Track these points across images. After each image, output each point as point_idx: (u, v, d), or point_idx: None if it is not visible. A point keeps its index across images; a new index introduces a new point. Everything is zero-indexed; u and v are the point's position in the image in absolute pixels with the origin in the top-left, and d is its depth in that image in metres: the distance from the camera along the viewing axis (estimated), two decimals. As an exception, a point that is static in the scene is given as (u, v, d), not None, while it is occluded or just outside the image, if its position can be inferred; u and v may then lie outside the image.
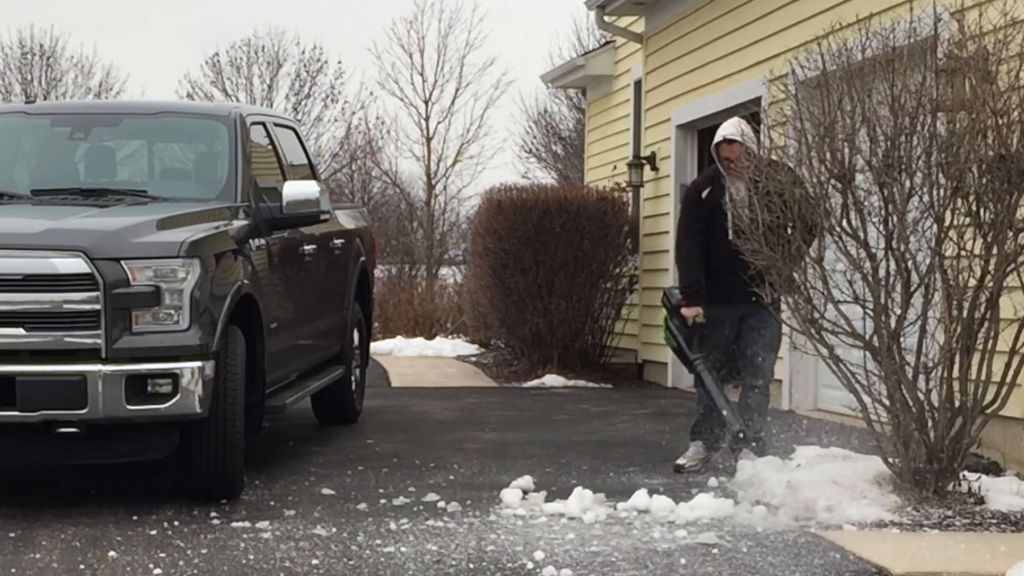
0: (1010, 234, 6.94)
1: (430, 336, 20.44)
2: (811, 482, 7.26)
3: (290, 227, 8.72)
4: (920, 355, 7.12)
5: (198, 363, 7.03)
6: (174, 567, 6.00)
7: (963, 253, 7.00)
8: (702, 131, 13.90)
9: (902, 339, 7.13)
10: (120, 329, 6.92)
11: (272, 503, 7.41)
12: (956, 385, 7.10)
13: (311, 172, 10.12)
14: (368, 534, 6.64)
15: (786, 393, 11.45)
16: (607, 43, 18.72)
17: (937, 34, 7.13)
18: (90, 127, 9.01)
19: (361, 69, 62.00)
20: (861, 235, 7.16)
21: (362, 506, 7.32)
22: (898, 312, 7.11)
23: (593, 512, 7.01)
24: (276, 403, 8.38)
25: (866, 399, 7.28)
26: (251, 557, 6.18)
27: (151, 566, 5.99)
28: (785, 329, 8.16)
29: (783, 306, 7.78)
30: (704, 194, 8.51)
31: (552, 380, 14.25)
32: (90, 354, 6.90)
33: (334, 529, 6.74)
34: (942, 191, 7.00)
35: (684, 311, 8.48)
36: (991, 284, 7.00)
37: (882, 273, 7.14)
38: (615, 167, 17.26)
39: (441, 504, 7.33)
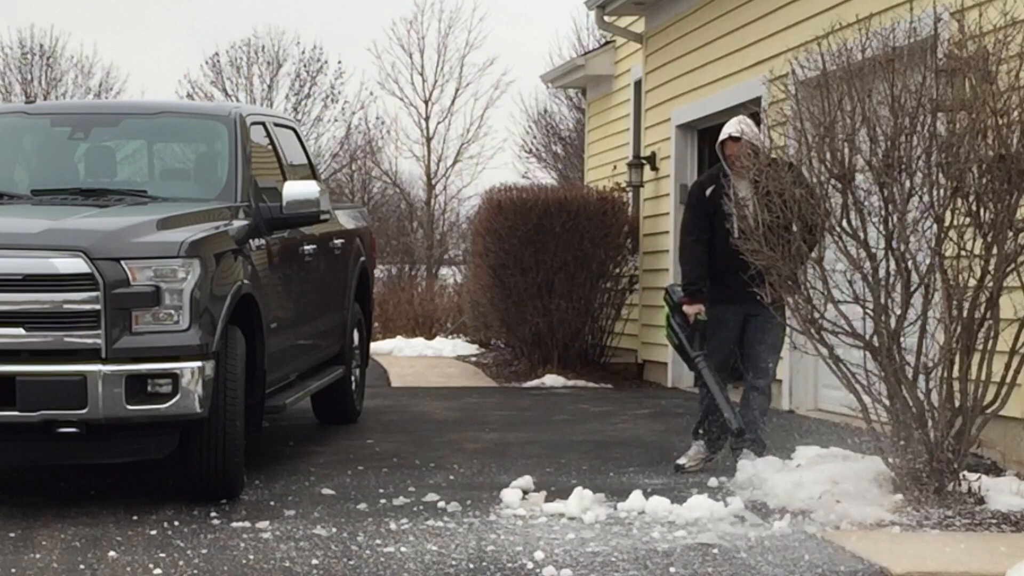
0: (1010, 234, 6.94)
1: (430, 336, 20.44)
2: (811, 482, 7.26)
3: (290, 227, 8.72)
4: (920, 355, 7.12)
5: (198, 363, 7.03)
6: (174, 567, 6.00)
7: (963, 253, 7.00)
8: (702, 131, 13.90)
9: (902, 339, 7.13)
10: (120, 329, 6.92)
11: (272, 503, 7.41)
12: (956, 385, 7.10)
13: (311, 172, 10.12)
14: (368, 534, 6.64)
15: (786, 393, 11.45)
16: (607, 43, 18.72)
17: (937, 34, 7.13)
18: (90, 127, 9.01)
19: (361, 69, 62.05)
20: (861, 235, 7.16)
21: (362, 506, 7.32)
22: (898, 312, 7.11)
23: (593, 512, 7.01)
24: (276, 403, 8.38)
25: (866, 399, 7.28)
26: (251, 557, 6.18)
27: (151, 566, 5.99)
28: (785, 328, 8.16)
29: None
30: (707, 192, 8.50)
31: (552, 380, 14.25)
32: (90, 354, 6.90)
33: (334, 529, 6.74)
34: (942, 191, 7.00)
35: (686, 309, 8.48)
36: (991, 284, 7.00)
37: (882, 273, 7.14)
38: (615, 167, 17.26)
39: (441, 504, 7.33)
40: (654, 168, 14.97)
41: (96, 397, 6.84)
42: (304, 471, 8.42)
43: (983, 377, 7.07)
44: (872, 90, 7.12)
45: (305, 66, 36.43)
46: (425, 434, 10.24)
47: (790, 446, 8.28)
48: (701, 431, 8.59)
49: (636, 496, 7.23)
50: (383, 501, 7.45)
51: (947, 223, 7.01)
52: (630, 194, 15.75)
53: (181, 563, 6.06)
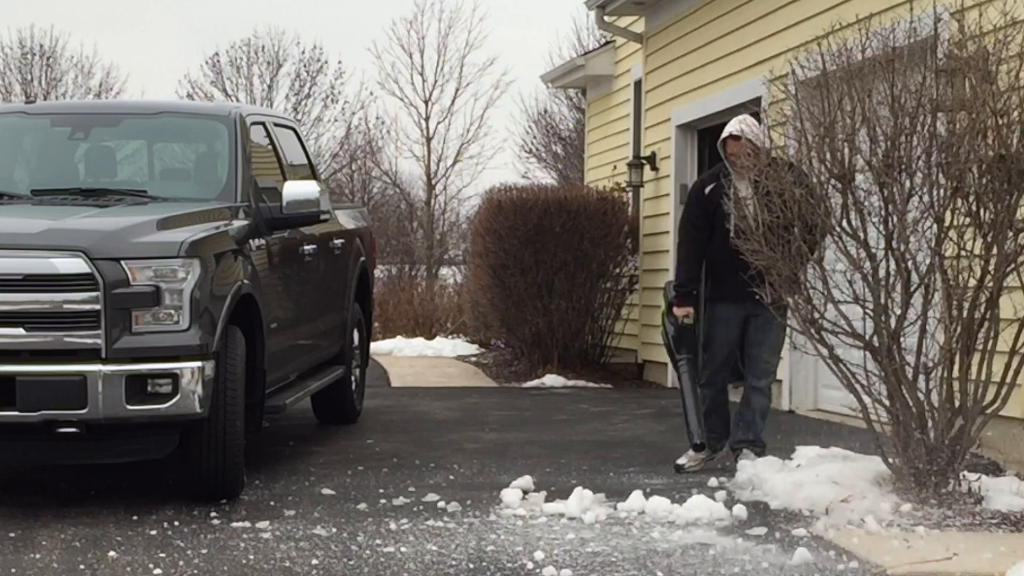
0: (1010, 234, 6.94)
1: (430, 336, 20.44)
2: (811, 482, 7.26)
3: (290, 227, 8.72)
4: (920, 355, 7.12)
5: (198, 363, 7.03)
6: (174, 567, 6.00)
7: (963, 253, 7.00)
8: (702, 131, 13.90)
9: (902, 339, 7.13)
10: (120, 329, 6.92)
11: (272, 503, 7.41)
12: (956, 385, 7.10)
13: (311, 172, 10.12)
14: (368, 534, 6.64)
15: (786, 393, 11.45)
16: (607, 43, 18.72)
17: (937, 34, 7.13)
18: (90, 127, 9.01)
19: (361, 69, 62.08)
20: (861, 235, 7.16)
21: (362, 506, 7.32)
22: (898, 312, 7.11)
23: (593, 512, 7.01)
24: (276, 403, 8.38)
25: (866, 399, 7.28)
26: (251, 557, 6.18)
27: (151, 566, 5.99)
28: (786, 329, 8.16)
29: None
30: (707, 190, 8.50)
31: (552, 380, 14.25)
32: (90, 354, 6.90)
33: (334, 529, 6.74)
34: (942, 191, 7.00)
35: (675, 310, 8.50)
36: (991, 284, 7.00)
37: (882, 273, 7.14)
38: (615, 167, 17.26)
39: (441, 504, 7.32)
40: (654, 168, 14.97)
41: (96, 397, 6.84)
42: (304, 471, 8.42)
43: (983, 377, 7.07)
44: (872, 90, 7.12)
45: (305, 66, 36.46)
46: (425, 434, 10.24)
47: (790, 446, 8.28)
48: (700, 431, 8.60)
49: (636, 496, 7.23)
50: (383, 501, 7.45)
51: (947, 223, 7.01)
52: (630, 194, 15.75)
53: (181, 563, 6.06)
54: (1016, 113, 6.86)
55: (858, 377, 7.26)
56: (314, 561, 6.10)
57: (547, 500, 7.32)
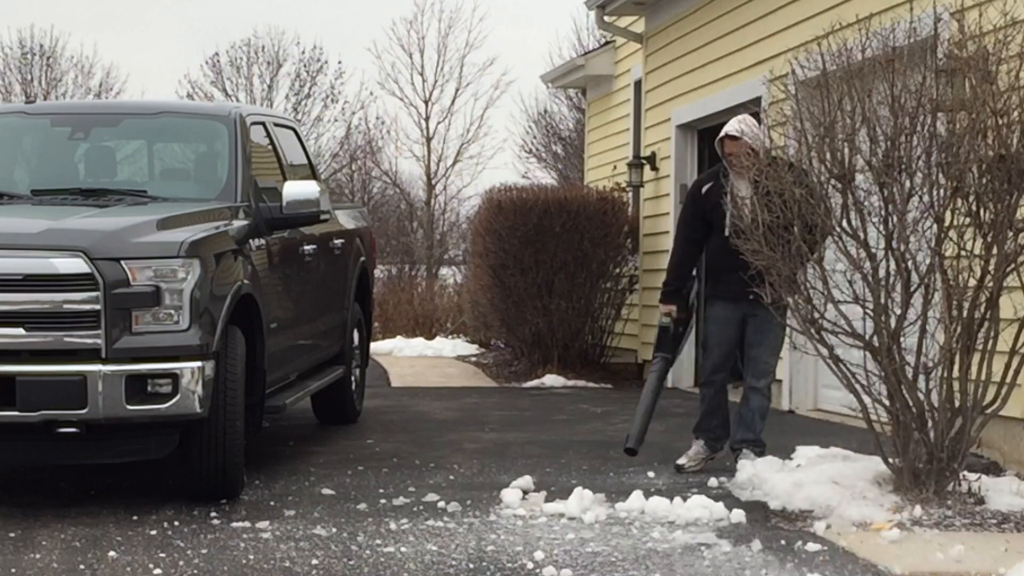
0: (1010, 234, 6.94)
1: (430, 336, 20.44)
2: (811, 482, 7.26)
3: (290, 227, 8.72)
4: (920, 355, 7.12)
5: (198, 363, 7.03)
6: (174, 567, 6.00)
7: (963, 253, 7.00)
8: (702, 131, 13.90)
9: (902, 339, 7.13)
10: (120, 329, 6.92)
11: (272, 503, 7.41)
12: (956, 385, 7.10)
13: (311, 172, 10.12)
14: (368, 534, 6.64)
15: (786, 393, 11.45)
16: (607, 43, 18.73)
17: (937, 34, 7.13)
18: (90, 127, 9.01)
19: (361, 69, 62.12)
20: (861, 235, 7.16)
21: (362, 506, 7.31)
22: (898, 312, 7.11)
23: (593, 512, 7.01)
24: (276, 403, 8.38)
25: (866, 399, 7.28)
26: (251, 557, 6.18)
27: (151, 566, 5.99)
28: (786, 329, 8.16)
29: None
30: (704, 189, 8.52)
31: (552, 380, 14.25)
32: (90, 354, 6.90)
33: (334, 529, 6.74)
34: (942, 191, 6.99)
35: (660, 307, 8.59)
36: (991, 284, 7.00)
37: (882, 273, 7.14)
38: (615, 167, 17.26)
39: (441, 504, 7.32)
40: (654, 168, 14.97)
41: (96, 397, 6.84)
42: (304, 471, 8.42)
43: (983, 377, 7.07)
44: (872, 90, 7.11)
45: (305, 66, 36.47)
46: (425, 434, 10.24)
47: (790, 446, 8.28)
48: (702, 428, 8.60)
49: (636, 496, 7.23)
50: (383, 501, 7.45)
51: (947, 223, 7.01)
52: (630, 194, 15.75)
53: (181, 563, 6.06)
54: (1016, 113, 6.86)
55: (858, 377, 7.26)
56: (314, 561, 6.10)
57: (547, 500, 7.32)
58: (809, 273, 7.40)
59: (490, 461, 8.89)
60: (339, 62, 42.12)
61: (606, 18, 15.92)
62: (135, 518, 6.96)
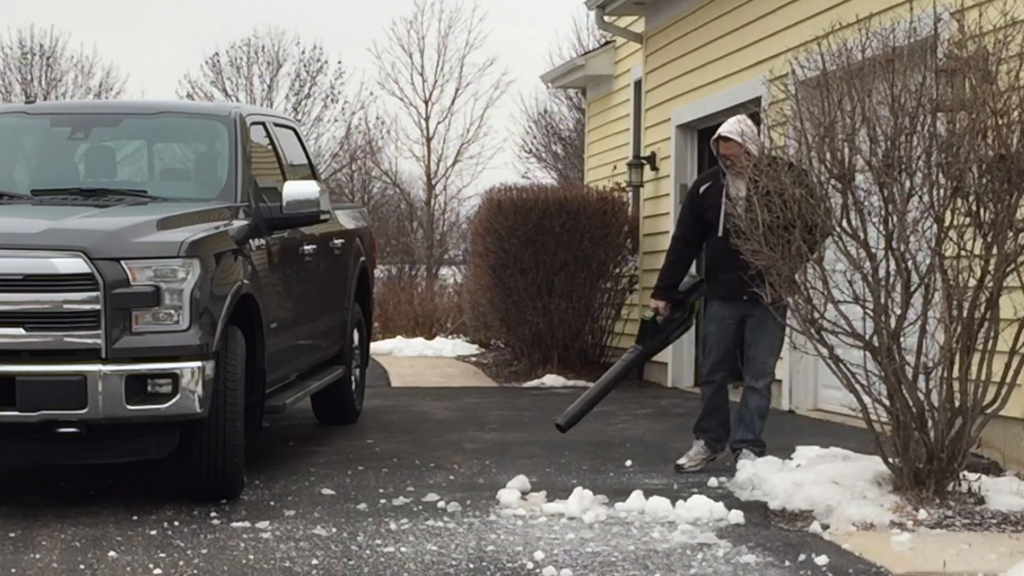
0: (1010, 234, 6.93)
1: (430, 336, 20.44)
2: (811, 482, 7.26)
3: (290, 227, 8.72)
4: (920, 355, 7.12)
5: (198, 363, 7.03)
6: (174, 567, 6.00)
7: (963, 253, 7.00)
8: (702, 131, 13.89)
9: (902, 339, 7.13)
10: (120, 329, 6.92)
11: (272, 503, 7.41)
12: (956, 385, 7.09)
13: (311, 172, 10.12)
14: (368, 534, 6.64)
15: (786, 393, 11.45)
16: (607, 43, 18.72)
17: (937, 34, 7.13)
18: (90, 127, 9.01)
19: (361, 69, 62.08)
20: (861, 235, 7.16)
21: (362, 506, 7.31)
22: (898, 312, 7.10)
23: (593, 512, 7.01)
24: (276, 403, 8.38)
25: (866, 399, 7.27)
26: (251, 557, 6.18)
27: (151, 566, 5.99)
28: (785, 329, 8.16)
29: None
30: (702, 190, 8.55)
31: (552, 380, 14.25)
32: (90, 354, 6.90)
33: (334, 529, 6.74)
34: (942, 191, 6.99)
35: (651, 303, 8.68)
36: (991, 284, 6.99)
37: (882, 273, 7.13)
38: (615, 167, 17.26)
39: (441, 504, 7.32)
40: (654, 168, 14.96)
41: (96, 397, 6.84)
42: (304, 471, 8.42)
43: (983, 377, 7.07)
44: (872, 90, 7.11)
45: (305, 66, 36.46)
46: (425, 434, 10.24)
47: (790, 446, 8.28)
48: (703, 428, 8.61)
49: (636, 496, 7.23)
50: (383, 501, 7.44)
51: (947, 223, 7.01)
52: (630, 194, 15.75)
53: (181, 563, 6.06)
54: (1016, 113, 6.85)
55: (858, 377, 7.26)
56: (314, 561, 6.10)
57: (547, 500, 7.31)
58: (809, 273, 7.39)
59: (490, 461, 8.90)
60: (339, 62, 42.14)
61: (606, 18, 15.91)
62: (135, 518, 6.96)
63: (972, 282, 7.02)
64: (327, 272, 9.78)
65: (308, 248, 9.15)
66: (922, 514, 6.80)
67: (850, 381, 7.30)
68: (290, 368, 8.92)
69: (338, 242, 10.00)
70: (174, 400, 6.96)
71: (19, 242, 7.09)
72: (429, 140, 35.61)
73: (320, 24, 54.39)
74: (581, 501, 7.13)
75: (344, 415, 10.63)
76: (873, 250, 7.14)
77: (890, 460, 7.25)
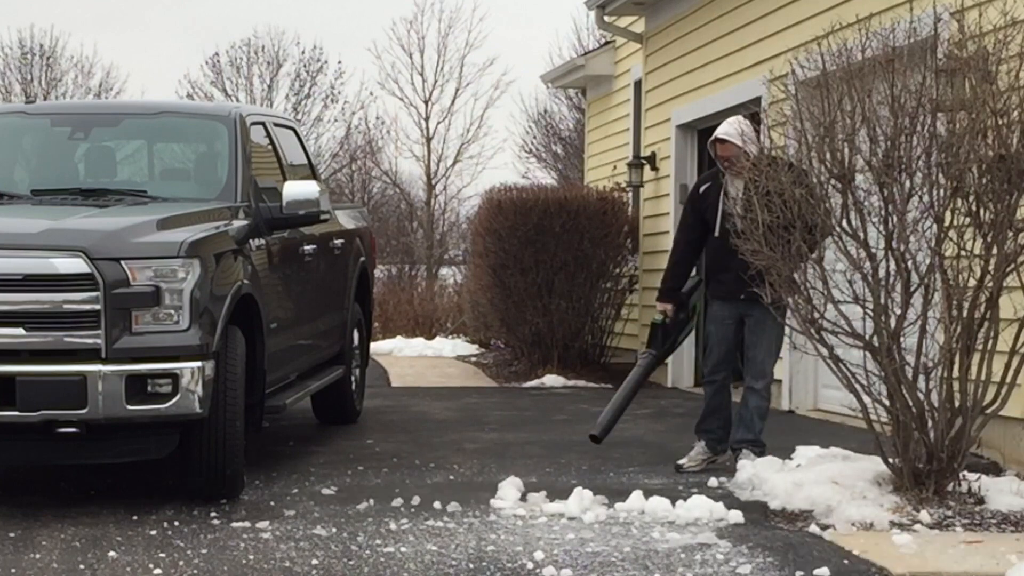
0: (1010, 234, 6.94)
1: (430, 336, 20.44)
2: (811, 482, 7.26)
3: (290, 227, 8.72)
4: (920, 355, 7.12)
5: (198, 363, 7.03)
6: (174, 567, 6.00)
7: (963, 253, 7.00)
8: (702, 131, 13.89)
9: (902, 339, 7.13)
10: (120, 329, 6.92)
11: (272, 503, 7.41)
12: (956, 385, 7.10)
13: (311, 172, 10.12)
14: (368, 534, 6.64)
15: (786, 393, 11.45)
16: (607, 43, 18.73)
17: (937, 34, 7.13)
18: (90, 127, 9.01)
19: (361, 69, 62.08)
20: (861, 235, 7.16)
21: (362, 506, 7.31)
22: (898, 312, 7.10)
23: (593, 512, 7.01)
24: (276, 403, 8.38)
25: (866, 399, 7.28)
26: (251, 557, 6.18)
27: (151, 566, 5.99)
28: (785, 329, 8.17)
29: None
30: (702, 190, 8.57)
31: (552, 380, 14.25)
32: (90, 354, 6.90)
33: (334, 529, 6.74)
34: (942, 191, 6.99)
35: (657, 305, 8.63)
36: (991, 284, 7.00)
37: (882, 273, 7.14)
38: (615, 167, 17.26)
39: (441, 504, 7.31)
40: (654, 168, 14.97)
41: (96, 397, 6.84)
42: (304, 471, 8.42)
43: (983, 377, 7.07)
44: (872, 90, 7.11)
45: (305, 66, 36.46)
46: (425, 434, 10.24)
47: (790, 446, 8.28)
48: (704, 428, 8.61)
49: (636, 496, 7.23)
50: (383, 501, 7.44)
51: (947, 223, 7.01)
52: (630, 194, 15.75)
53: (181, 563, 6.06)
54: (1016, 113, 6.86)
55: (858, 377, 7.26)
56: (314, 561, 6.10)
57: (547, 500, 7.31)
58: (809, 273, 7.40)
59: (490, 461, 8.89)
60: (339, 62, 42.14)
61: (606, 18, 15.92)
62: (135, 518, 6.96)
63: (972, 282, 7.02)
64: (327, 272, 9.78)
65: (308, 248, 9.15)
66: (922, 514, 6.80)
67: (850, 381, 7.31)
68: (290, 368, 8.92)
69: (338, 242, 10.00)
70: (174, 400, 6.96)
71: (19, 242, 7.08)
72: (429, 140, 35.63)
73: (320, 24, 54.43)
74: (581, 501, 7.13)
75: (344, 415, 10.63)
76: (873, 250, 7.14)
77: (890, 460, 7.26)
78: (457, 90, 35.58)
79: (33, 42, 36.04)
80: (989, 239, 6.97)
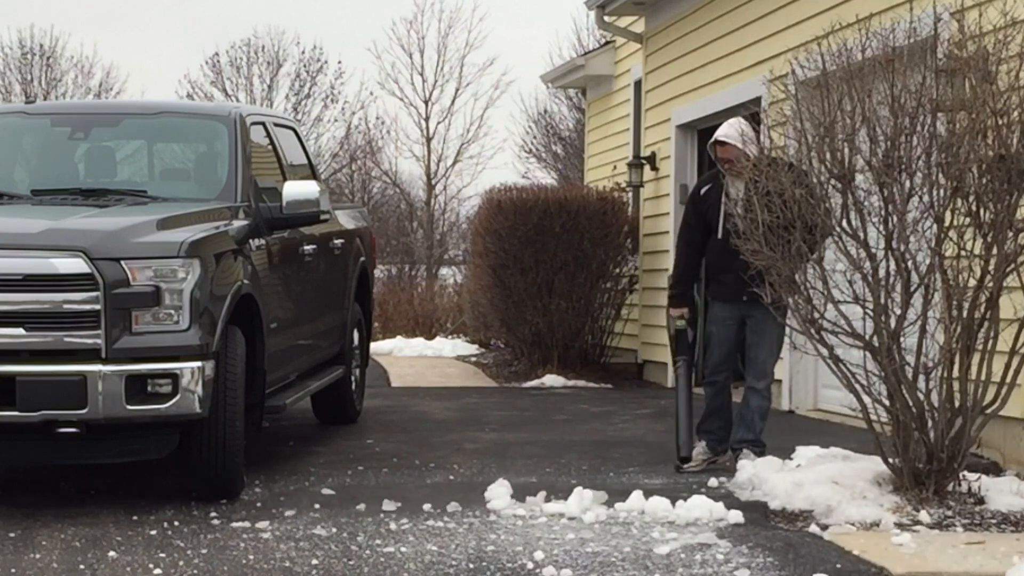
0: (1010, 234, 6.93)
1: (430, 336, 20.43)
2: (811, 482, 7.26)
3: (290, 227, 8.72)
4: (920, 355, 7.12)
5: (198, 363, 7.03)
6: (174, 567, 6.00)
7: (963, 253, 7.00)
8: (702, 131, 13.89)
9: (902, 339, 7.13)
10: (120, 329, 6.93)
11: (272, 503, 7.41)
12: (956, 385, 7.09)
13: (311, 172, 10.12)
14: (368, 534, 6.64)
15: (786, 393, 11.45)
16: (607, 43, 18.73)
17: (937, 34, 7.13)
18: (90, 127, 9.01)
19: (361, 69, 62.07)
20: (861, 235, 7.16)
21: (362, 506, 7.31)
22: (898, 312, 7.10)
23: (593, 512, 7.01)
24: (276, 403, 8.38)
25: (866, 399, 7.27)
26: (251, 557, 6.18)
27: (151, 566, 5.99)
28: (785, 329, 8.17)
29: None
30: (703, 191, 8.58)
31: (552, 380, 14.25)
32: (90, 354, 6.90)
33: (334, 529, 6.74)
34: (942, 191, 6.99)
35: (671, 311, 8.60)
36: (991, 284, 6.99)
37: (882, 273, 7.13)
38: (615, 167, 17.26)
39: (441, 504, 7.31)
40: (654, 168, 14.97)
41: (96, 397, 6.84)
42: (304, 471, 8.42)
43: (983, 377, 7.07)
44: (872, 90, 7.11)
45: (305, 66, 36.47)
46: (425, 434, 10.23)
47: (790, 446, 8.28)
48: (705, 428, 8.60)
49: (636, 496, 7.23)
50: (383, 501, 7.43)
51: (947, 223, 7.01)
52: (630, 194, 15.75)
53: (181, 563, 6.06)
54: (1016, 113, 6.85)
55: (858, 377, 7.26)
56: (314, 561, 6.10)
57: (547, 500, 7.31)
58: (809, 273, 7.40)
59: (490, 461, 8.89)
60: (339, 62, 42.13)
61: (606, 18, 15.92)
62: (135, 518, 6.96)
63: (972, 282, 7.02)
64: (327, 272, 9.78)
65: (308, 248, 9.15)
66: (922, 514, 6.80)
67: (850, 381, 7.30)
68: (290, 368, 8.92)
69: (338, 242, 10.00)
70: (174, 400, 6.96)
71: (19, 242, 7.09)
72: (429, 140, 35.63)
73: (320, 24, 54.43)
74: (581, 501, 7.13)
75: (344, 415, 10.63)
76: (873, 250, 7.14)
77: (890, 460, 7.25)
78: (457, 90, 35.62)
79: (33, 42, 36.08)
80: (989, 239, 6.97)
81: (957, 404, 7.11)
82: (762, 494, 7.44)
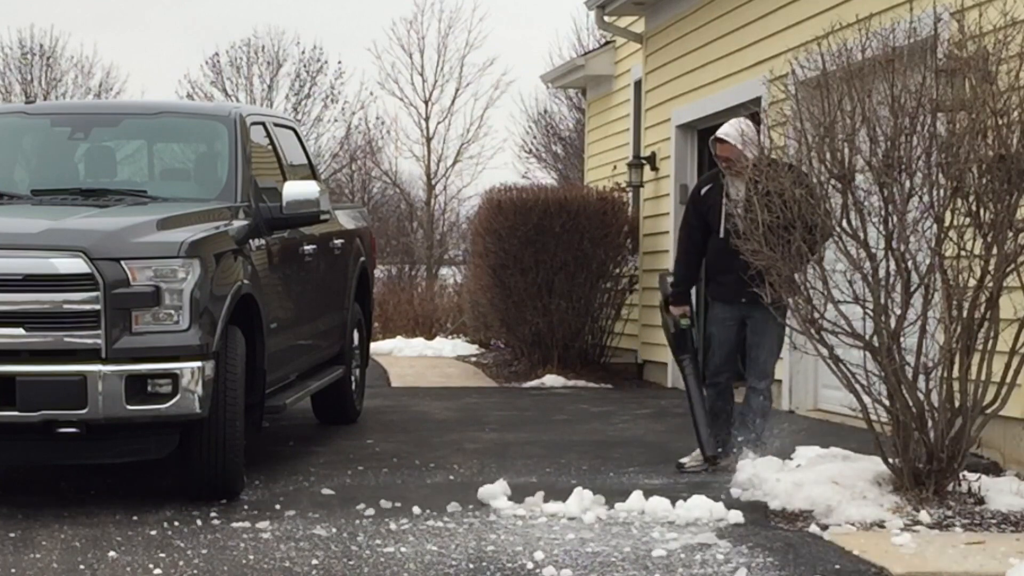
0: (1010, 234, 6.93)
1: (430, 336, 20.43)
2: (811, 482, 7.26)
3: (290, 227, 8.72)
4: (920, 355, 7.12)
5: (198, 363, 7.03)
6: (174, 567, 6.00)
7: (963, 253, 7.00)
8: (702, 131, 13.89)
9: (902, 339, 7.13)
10: (120, 329, 6.93)
11: (272, 503, 7.41)
12: (956, 385, 7.09)
13: (311, 172, 10.13)
14: (368, 534, 6.64)
15: (786, 393, 11.45)
16: (607, 43, 18.72)
17: (937, 34, 7.13)
18: (90, 127, 9.01)
19: (361, 69, 62.01)
20: (861, 235, 7.16)
21: (362, 506, 7.31)
22: (898, 312, 7.10)
23: (593, 512, 7.01)
24: (276, 403, 8.38)
25: (866, 399, 7.27)
26: (251, 557, 6.18)
27: (151, 566, 5.99)
28: (785, 329, 8.17)
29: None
30: (703, 191, 8.58)
31: (552, 380, 14.25)
32: (90, 354, 6.90)
33: (334, 529, 6.74)
34: (942, 191, 6.99)
35: (672, 309, 8.61)
36: (991, 284, 6.99)
37: (882, 273, 7.13)
38: (615, 167, 17.26)
39: (441, 504, 7.31)
40: (654, 168, 14.96)
41: (96, 397, 6.84)
42: (304, 471, 8.42)
43: (983, 377, 7.07)
44: (872, 90, 7.11)
45: (305, 66, 36.45)
46: (425, 434, 10.23)
47: (790, 446, 8.27)
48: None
49: (636, 496, 7.23)
50: (383, 501, 7.43)
51: (947, 223, 7.01)
52: (630, 194, 15.75)
53: (181, 563, 6.06)
54: (1016, 113, 6.85)
55: (858, 377, 7.26)
56: (314, 561, 6.10)
57: (547, 500, 7.31)
58: (809, 273, 7.40)
59: (490, 461, 8.89)
60: (339, 62, 42.10)
61: (606, 18, 15.91)
62: (135, 518, 6.96)
63: (972, 282, 7.02)
64: (327, 272, 9.78)
65: (308, 248, 9.15)
66: (922, 514, 6.80)
67: (850, 381, 7.30)
68: (290, 368, 8.92)
69: (338, 242, 10.00)
70: (174, 400, 6.97)
71: (19, 242, 7.09)
72: (429, 140, 35.63)
73: (320, 24, 54.41)
74: (581, 501, 7.13)
75: (344, 415, 10.63)
76: (873, 250, 7.14)
77: (890, 460, 7.25)
78: (457, 90, 35.61)
79: (33, 42, 36.06)
80: (989, 239, 6.97)
81: (957, 404, 7.11)
82: (762, 494, 7.43)
